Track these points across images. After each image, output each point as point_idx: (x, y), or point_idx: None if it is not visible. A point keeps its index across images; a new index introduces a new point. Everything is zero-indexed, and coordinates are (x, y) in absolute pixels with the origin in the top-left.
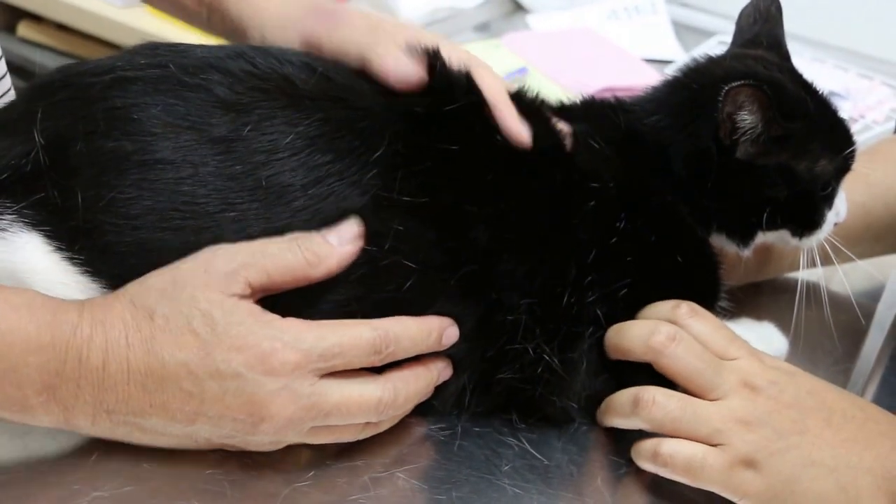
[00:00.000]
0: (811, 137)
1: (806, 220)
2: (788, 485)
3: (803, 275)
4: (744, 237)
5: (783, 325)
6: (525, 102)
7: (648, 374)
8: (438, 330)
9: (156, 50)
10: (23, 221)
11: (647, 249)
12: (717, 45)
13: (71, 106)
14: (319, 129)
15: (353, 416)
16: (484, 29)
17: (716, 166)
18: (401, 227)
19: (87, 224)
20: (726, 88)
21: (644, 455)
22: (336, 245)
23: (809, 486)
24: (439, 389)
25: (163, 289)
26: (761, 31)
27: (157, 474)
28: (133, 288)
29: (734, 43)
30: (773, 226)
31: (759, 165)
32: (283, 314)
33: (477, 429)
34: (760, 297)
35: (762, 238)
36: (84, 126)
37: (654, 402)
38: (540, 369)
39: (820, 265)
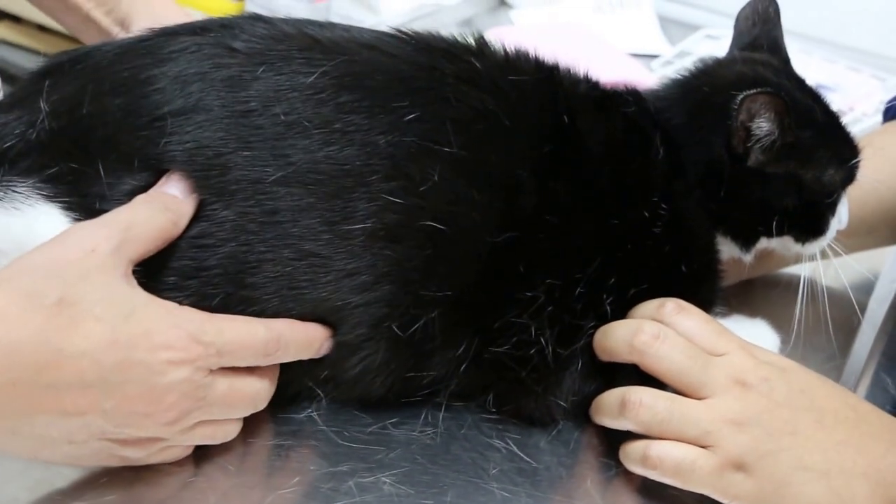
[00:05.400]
0: (819, 146)
1: (811, 227)
2: (779, 488)
3: (795, 270)
4: (747, 242)
5: (775, 322)
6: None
7: (640, 375)
8: (320, 341)
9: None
10: (39, 194)
11: (668, 252)
12: (703, 38)
13: (79, 75)
14: (346, 69)
15: (233, 409)
16: (467, 24)
17: (727, 174)
18: (438, 179)
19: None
20: (742, 96)
21: (633, 458)
22: (182, 198)
23: (801, 490)
24: (435, 355)
25: (51, 271)
26: (761, 34)
27: (139, 482)
28: (13, 271)
29: (734, 45)
30: (778, 233)
31: (769, 174)
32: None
33: (463, 432)
34: (752, 293)
35: (765, 244)
36: (93, 89)
37: (640, 404)
38: (532, 351)
39: (812, 260)
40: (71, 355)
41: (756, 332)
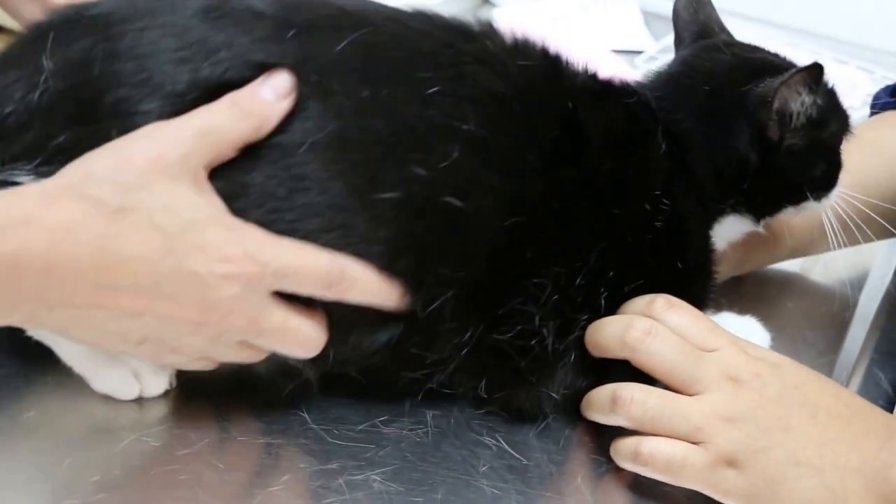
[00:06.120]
0: (825, 104)
1: (829, 182)
2: (772, 485)
3: (786, 267)
4: (768, 216)
5: (765, 318)
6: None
7: (631, 371)
8: (398, 292)
9: None
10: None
11: (665, 248)
12: None
13: (87, 30)
14: (372, 39)
15: (283, 344)
16: None
17: (753, 168)
18: (457, 156)
19: None
20: (776, 85)
21: (624, 455)
22: (273, 101)
23: (794, 486)
24: (442, 338)
25: (114, 177)
26: (708, 18)
27: (128, 481)
28: (77, 176)
29: (685, 33)
30: (805, 199)
31: (799, 149)
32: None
33: (453, 429)
34: (742, 289)
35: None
36: (105, 47)
37: (632, 400)
38: (534, 341)
39: (804, 256)
40: (127, 259)
41: (746, 329)
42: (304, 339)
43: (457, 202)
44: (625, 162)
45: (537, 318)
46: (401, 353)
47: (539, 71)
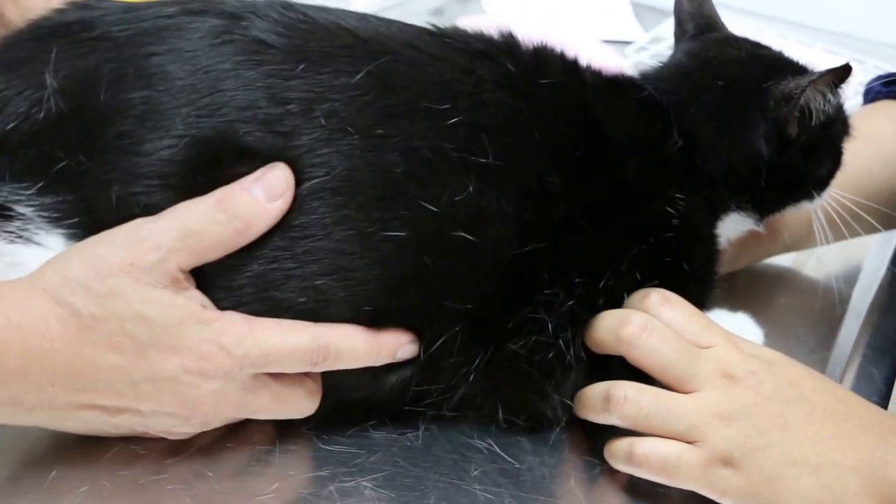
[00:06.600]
0: (836, 103)
1: (827, 179)
2: (769, 483)
3: (779, 262)
4: (768, 214)
5: (758, 314)
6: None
7: (629, 370)
8: (391, 348)
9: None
10: (42, 217)
11: (677, 248)
12: None
13: (93, 49)
14: (391, 69)
15: (275, 415)
16: (438, 13)
17: (767, 165)
18: (472, 190)
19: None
20: (806, 82)
21: (618, 456)
22: (264, 201)
23: (792, 484)
24: (447, 370)
25: (87, 284)
26: (711, 12)
27: (117, 491)
28: (53, 279)
29: (690, 26)
30: (808, 196)
31: (808, 147)
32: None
33: (444, 433)
34: (734, 285)
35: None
36: (110, 71)
37: (625, 398)
38: (552, 354)
39: (797, 250)
40: (103, 367)
41: (738, 326)
42: (296, 407)
43: (468, 236)
44: (647, 163)
45: (550, 326)
46: (402, 392)
47: (560, 87)
